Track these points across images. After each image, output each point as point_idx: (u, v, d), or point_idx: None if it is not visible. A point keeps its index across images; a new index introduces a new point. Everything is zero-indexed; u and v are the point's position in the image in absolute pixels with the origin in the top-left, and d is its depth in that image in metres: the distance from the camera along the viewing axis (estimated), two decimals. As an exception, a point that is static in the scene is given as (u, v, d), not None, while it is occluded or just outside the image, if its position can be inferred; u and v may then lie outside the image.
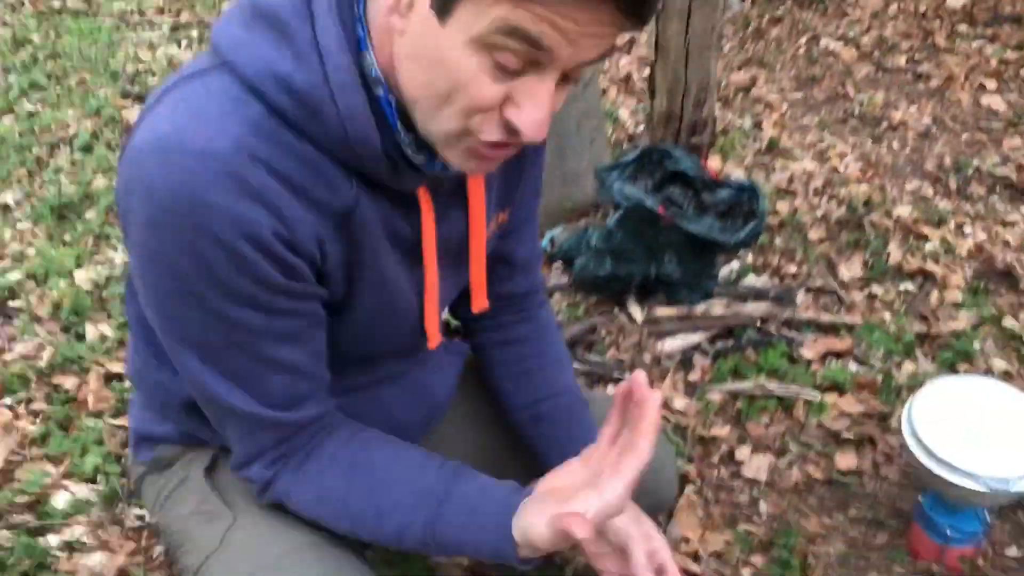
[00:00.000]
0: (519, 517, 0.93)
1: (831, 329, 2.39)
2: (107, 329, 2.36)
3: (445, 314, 1.29)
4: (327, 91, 0.83)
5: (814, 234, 2.78)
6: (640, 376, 0.91)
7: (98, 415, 2.11)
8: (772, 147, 3.31)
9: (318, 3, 0.84)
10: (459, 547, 0.98)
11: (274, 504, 1.06)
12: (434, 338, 1.11)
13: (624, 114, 3.47)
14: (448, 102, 0.81)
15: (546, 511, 0.90)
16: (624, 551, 1.05)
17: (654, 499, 1.32)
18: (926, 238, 2.80)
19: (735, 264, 2.57)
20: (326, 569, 1.02)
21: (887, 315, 2.46)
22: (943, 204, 3.01)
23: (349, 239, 0.94)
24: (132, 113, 3.39)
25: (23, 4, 4.50)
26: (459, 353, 1.32)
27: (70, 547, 1.80)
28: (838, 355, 2.32)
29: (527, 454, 1.32)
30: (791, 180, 3.08)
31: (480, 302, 1.19)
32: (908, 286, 2.58)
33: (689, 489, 1.96)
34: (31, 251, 2.70)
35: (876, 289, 2.56)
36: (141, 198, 0.82)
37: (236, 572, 1.02)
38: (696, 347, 2.30)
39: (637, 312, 2.34)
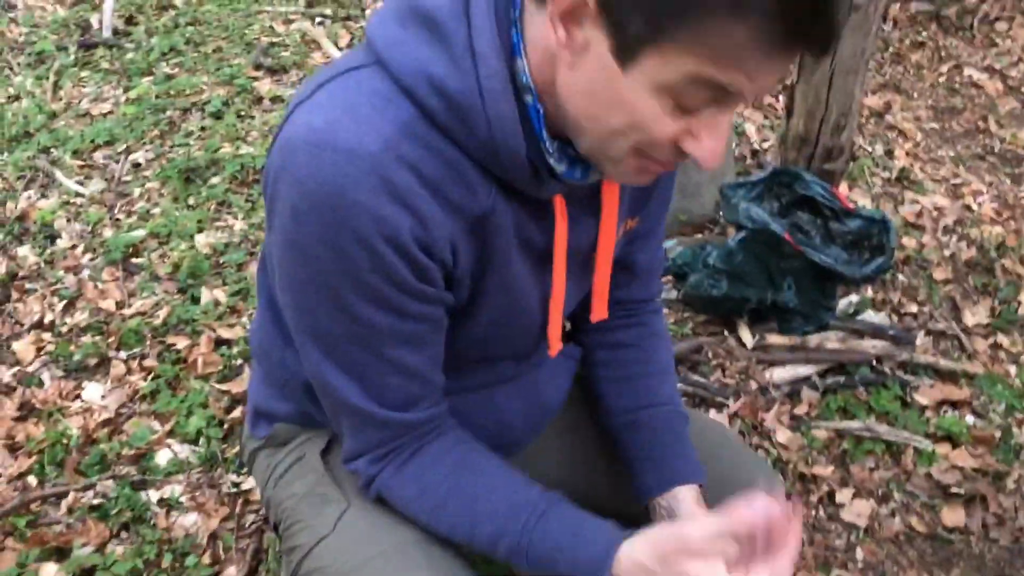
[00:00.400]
0: (629, 543, 0.94)
1: (950, 376, 2.28)
2: (221, 295, 2.42)
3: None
4: (478, 97, 0.84)
5: (940, 274, 2.66)
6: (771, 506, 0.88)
7: (205, 378, 2.17)
8: (903, 177, 3.18)
9: (476, 4, 0.84)
10: (552, 559, 0.98)
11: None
12: (556, 345, 1.11)
13: (751, 128, 3.38)
14: (623, 136, 0.82)
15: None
16: None
17: None
18: (1061, 289, 2.64)
19: (854, 297, 2.47)
20: (434, 566, 1.02)
21: (1012, 368, 2.34)
22: (1083, 255, 2.84)
23: (481, 243, 0.94)
24: (263, 85, 3.47)
25: (170, -31, 4.66)
26: (574, 358, 1.30)
27: (168, 505, 1.85)
28: (955, 404, 2.21)
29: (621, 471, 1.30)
30: (920, 214, 2.95)
31: (600, 311, 1.17)
32: (1037, 339, 2.45)
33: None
34: (156, 211, 2.79)
35: (1002, 339, 2.44)
36: (289, 187, 0.85)
37: (347, 558, 1.04)
38: (806, 380, 2.22)
39: (747, 337, 2.28)
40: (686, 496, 1.14)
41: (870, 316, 2.41)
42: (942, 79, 4.02)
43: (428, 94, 0.83)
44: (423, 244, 0.88)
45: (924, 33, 4.38)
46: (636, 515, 1.33)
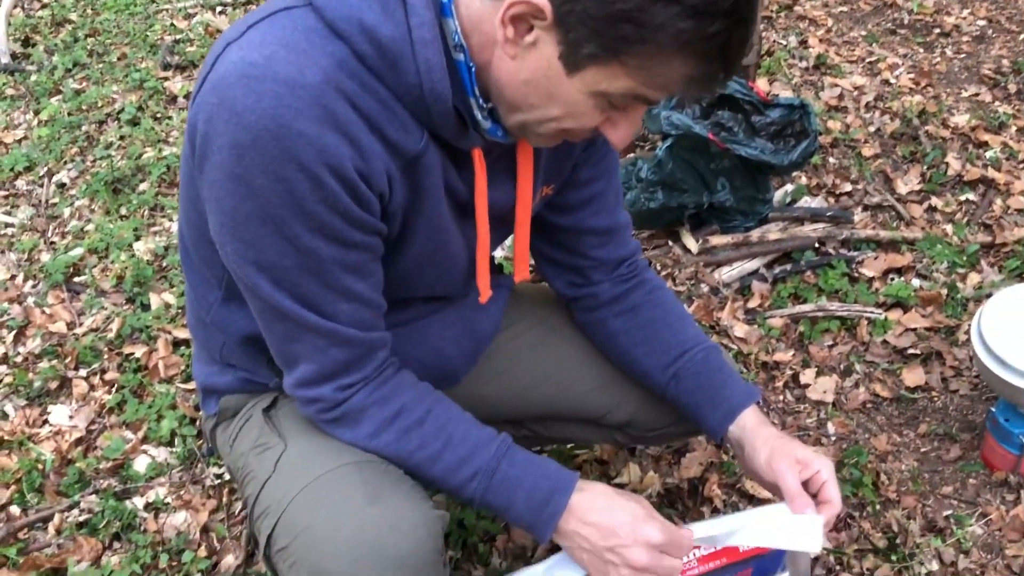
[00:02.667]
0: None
1: (891, 245, 2.34)
2: (170, 297, 2.41)
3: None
4: (408, 44, 0.87)
5: (868, 150, 2.71)
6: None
7: (169, 381, 2.17)
8: (820, 64, 3.22)
9: None
10: (517, 481, 1.05)
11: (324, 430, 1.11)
12: (485, 292, 1.15)
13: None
14: (554, 121, 0.92)
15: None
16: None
17: None
18: (986, 145, 2.71)
19: (789, 187, 2.52)
20: (376, 482, 1.04)
21: (948, 227, 2.41)
22: (1003, 109, 2.91)
23: (413, 182, 0.97)
24: (174, 84, 3.42)
25: (58, -16, 4.54)
26: (505, 287, 1.34)
27: (155, 508, 1.86)
28: (900, 271, 2.28)
29: (578, 387, 1.36)
30: (841, 97, 3.00)
31: (522, 272, 1.21)
32: (969, 196, 2.52)
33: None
34: (90, 227, 2.75)
35: (936, 201, 2.50)
36: (228, 123, 0.86)
37: (287, 492, 1.05)
38: (754, 273, 2.27)
39: (691, 243, 2.32)
40: (747, 419, 1.21)
41: (807, 202, 2.46)
42: (844, -38, 4.05)
43: (361, 39, 0.87)
44: (363, 175, 0.91)
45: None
46: (593, 418, 1.39)
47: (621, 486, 1.79)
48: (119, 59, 3.68)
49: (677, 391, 1.28)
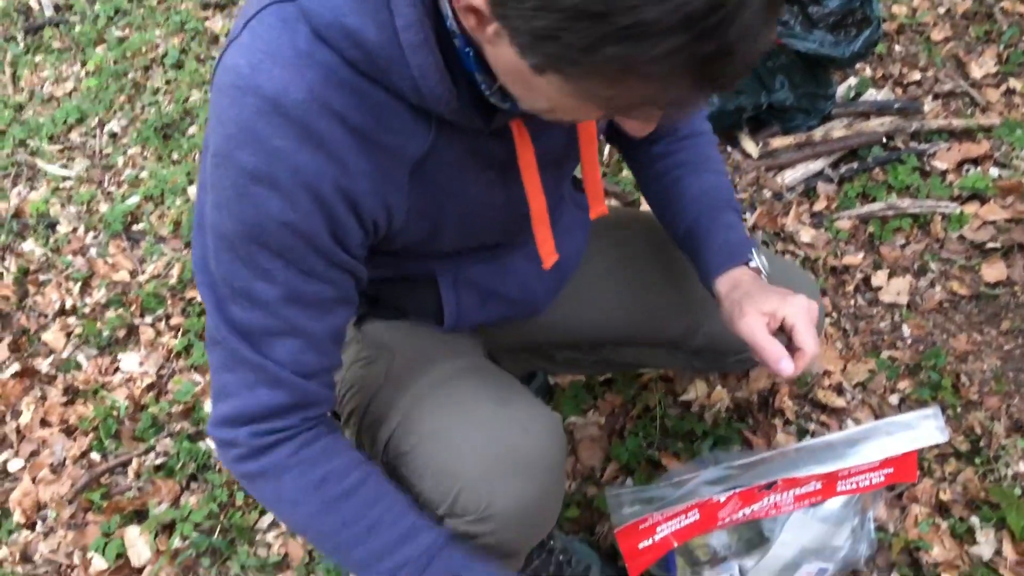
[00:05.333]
0: None
1: (966, 134, 2.21)
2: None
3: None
4: (398, 49, 0.80)
5: (937, 33, 2.54)
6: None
7: (232, 322, 2.18)
8: (881, -55, 3.02)
9: None
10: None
11: (425, 340, 1.10)
12: (550, 258, 1.06)
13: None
14: (547, 112, 0.80)
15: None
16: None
17: None
18: (1067, 18, 2.52)
19: (852, 80, 2.38)
20: (498, 384, 1.04)
21: (1029, 110, 2.26)
22: (1085, -23, 2.69)
23: (428, 182, 0.91)
24: (215, 23, 3.38)
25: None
26: (586, 208, 1.27)
27: (228, 448, 1.89)
28: (975, 162, 2.15)
29: (657, 312, 1.30)
30: (906, -22, 2.81)
31: (599, 207, 1.12)
32: (1051, 74, 2.35)
33: (825, 323, 1.89)
34: (144, 174, 2.77)
35: (1015, 83, 2.34)
36: (214, 129, 0.83)
37: (406, 398, 1.05)
38: (819, 175, 2.17)
39: (751, 146, 2.22)
40: (722, 285, 1.10)
41: (872, 95, 2.33)
42: None
43: (347, 45, 0.79)
44: (348, 195, 0.85)
45: None
46: (672, 341, 1.34)
47: (688, 403, 1.76)
48: (159, 2, 3.65)
49: (688, 244, 1.17)
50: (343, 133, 0.82)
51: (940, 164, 2.14)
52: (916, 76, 2.42)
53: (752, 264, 1.11)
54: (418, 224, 0.95)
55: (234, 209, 0.83)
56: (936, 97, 2.35)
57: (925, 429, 1.13)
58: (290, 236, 0.85)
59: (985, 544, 1.47)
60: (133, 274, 2.41)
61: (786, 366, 0.99)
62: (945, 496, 1.54)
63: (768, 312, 1.02)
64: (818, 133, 2.19)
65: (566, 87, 0.70)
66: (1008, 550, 1.46)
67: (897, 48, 2.52)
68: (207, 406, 1.99)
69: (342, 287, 0.92)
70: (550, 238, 1.04)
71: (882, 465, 1.18)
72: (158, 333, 2.22)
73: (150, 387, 2.08)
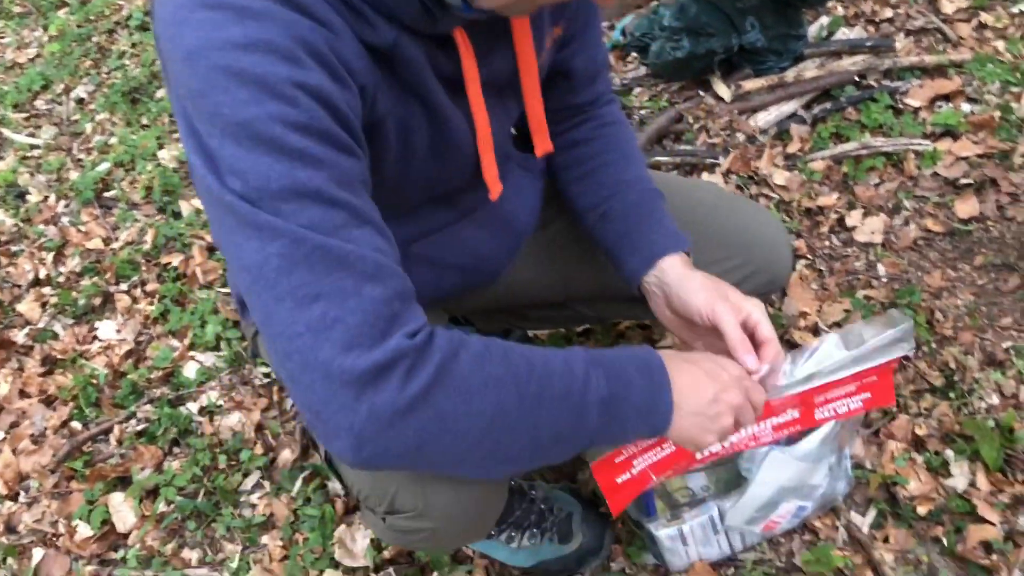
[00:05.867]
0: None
1: (938, 71, 2.20)
2: (200, 204, 2.39)
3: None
4: None
5: (909, -31, 2.52)
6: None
7: (209, 286, 2.17)
8: None
9: None
10: (619, 362, 0.90)
11: None
12: (495, 187, 1.05)
13: None
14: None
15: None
16: (717, 330, 1.03)
17: (769, 276, 1.28)
18: (1039, -51, 2.50)
19: (824, 20, 2.36)
20: None
21: (1000, 44, 2.25)
22: (1056, -93, 2.67)
23: (395, 78, 0.88)
24: (178, -18, 3.31)
25: None
26: (539, 171, 1.26)
27: (208, 412, 1.89)
28: (947, 98, 2.15)
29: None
30: (877, -86, 2.78)
31: (543, 144, 1.11)
32: (1022, 6, 2.33)
33: (800, 264, 1.89)
34: (113, 140, 2.73)
35: (986, 17, 2.33)
36: (176, 35, 0.75)
37: None
38: (792, 116, 2.16)
39: (724, 90, 2.20)
40: (673, 264, 1.11)
41: (844, 34, 2.32)
42: None
43: None
44: (340, 57, 0.79)
45: None
46: (634, 309, 1.33)
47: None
48: (121, -38, 3.57)
49: (603, 232, 1.17)
50: (322, 3, 0.78)
51: (913, 102, 2.13)
52: (888, 13, 2.40)
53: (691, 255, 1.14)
54: (386, 131, 0.90)
55: (240, 94, 0.73)
56: (908, 34, 2.34)
57: (897, 341, 1.13)
58: (307, 99, 0.75)
59: (960, 476, 1.50)
60: (107, 241, 2.38)
61: (752, 361, 1.01)
62: (921, 431, 1.56)
63: (735, 305, 1.04)
64: (790, 74, 2.18)
65: None
66: (981, 481, 1.48)
67: (869, -15, 2.50)
68: (186, 370, 1.98)
69: (361, 159, 0.82)
70: (494, 164, 1.03)
71: (859, 390, 1.19)
72: (134, 300, 2.20)
73: (129, 354, 2.07)
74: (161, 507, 1.73)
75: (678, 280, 1.09)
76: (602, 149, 1.21)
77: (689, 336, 1.11)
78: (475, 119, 0.98)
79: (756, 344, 1.03)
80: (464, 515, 1.02)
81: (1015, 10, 2.33)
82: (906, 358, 1.66)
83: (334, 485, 1.69)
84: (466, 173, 1.05)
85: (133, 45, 3.11)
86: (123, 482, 1.80)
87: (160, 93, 2.84)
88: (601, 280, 1.31)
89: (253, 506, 1.71)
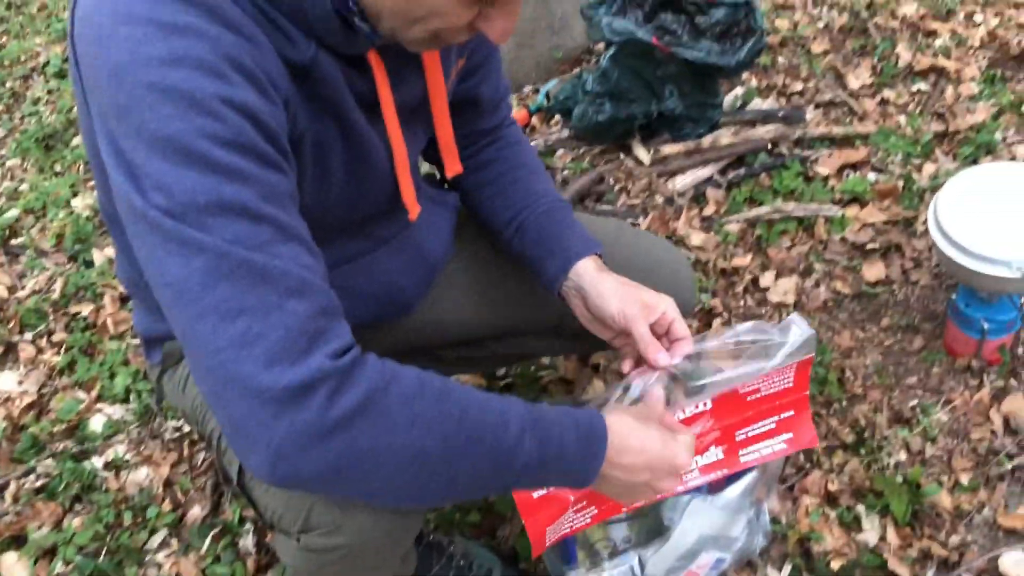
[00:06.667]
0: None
1: (845, 141, 2.30)
2: (113, 252, 2.33)
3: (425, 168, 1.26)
4: None
5: (818, 46, 2.66)
6: None
7: (120, 337, 2.11)
8: (764, -36, 3.14)
9: None
10: (558, 421, 0.89)
11: None
12: (413, 208, 1.08)
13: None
14: (421, 23, 0.81)
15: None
16: (629, 333, 1.09)
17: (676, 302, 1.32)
18: (935, 33, 2.66)
19: (739, 90, 2.46)
20: None
21: (902, 119, 2.37)
22: (950, -5, 2.85)
23: (312, 97, 0.88)
24: (99, 31, 3.27)
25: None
26: (450, 205, 1.28)
27: (115, 466, 1.82)
28: (855, 167, 2.24)
29: (532, 298, 1.30)
30: (788, -6, 2.93)
31: (453, 166, 1.15)
32: (921, 86, 2.48)
33: (716, 322, 1.93)
34: (24, 187, 2.65)
35: (888, 94, 2.46)
36: (99, 54, 0.74)
37: None
38: (708, 180, 2.23)
39: (643, 154, 2.27)
40: (587, 267, 1.15)
41: (758, 104, 2.42)
42: None
43: None
44: (265, 71, 0.79)
45: None
46: (552, 325, 1.35)
47: (586, 403, 1.77)
48: (39, 10, 3.52)
49: (521, 245, 1.21)
50: (239, 12, 0.78)
51: (822, 169, 2.22)
52: (798, 86, 2.52)
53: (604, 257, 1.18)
54: (304, 149, 0.90)
55: (166, 109, 0.72)
56: (817, 106, 2.45)
57: (794, 335, 1.15)
58: (233, 114, 0.74)
59: (871, 531, 1.53)
60: (12, 290, 2.30)
61: (664, 358, 1.06)
62: (833, 487, 1.60)
63: (648, 304, 1.08)
64: (707, 140, 2.26)
65: None
66: (891, 535, 1.51)
67: (780, 60, 2.62)
68: (93, 423, 1.91)
69: (288, 174, 0.82)
70: (411, 185, 1.05)
71: (779, 428, 1.21)
72: (39, 350, 2.12)
73: (30, 406, 1.99)
74: (59, 568, 1.64)
75: (592, 284, 1.14)
76: (511, 167, 1.25)
77: (608, 336, 1.15)
78: (391, 140, 0.99)
79: (671, 340, 1.09)
80: (381, 531, 1.00)
81: (914, 88, 2.47)
82: (817, 415, 1.70)
83: (245, 543, 1.63)
84: (383, 197, 1.06)
85: (49, 92, 3.05)
86: (17, 541, 1.71)
87: (76, 140, 2.78)
88: (510, 312, 1.33)
89: (159, 565, 1.64)
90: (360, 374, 0.77)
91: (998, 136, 2.24)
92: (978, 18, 2.72)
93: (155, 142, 0.73)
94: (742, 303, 1.98)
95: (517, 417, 0.86)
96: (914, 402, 1.73)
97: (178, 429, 1.88)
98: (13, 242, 2.46)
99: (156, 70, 0.72)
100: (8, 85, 3.10)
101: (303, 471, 0.75)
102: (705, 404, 1.17)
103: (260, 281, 0.74)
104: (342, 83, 0.90)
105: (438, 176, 1.30)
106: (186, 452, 1.83)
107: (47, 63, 3.16)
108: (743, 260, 2.04)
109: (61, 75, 3.11)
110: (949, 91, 2.44)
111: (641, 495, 0.99)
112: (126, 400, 1.96)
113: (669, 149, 2.25)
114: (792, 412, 1.22)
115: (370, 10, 0.83)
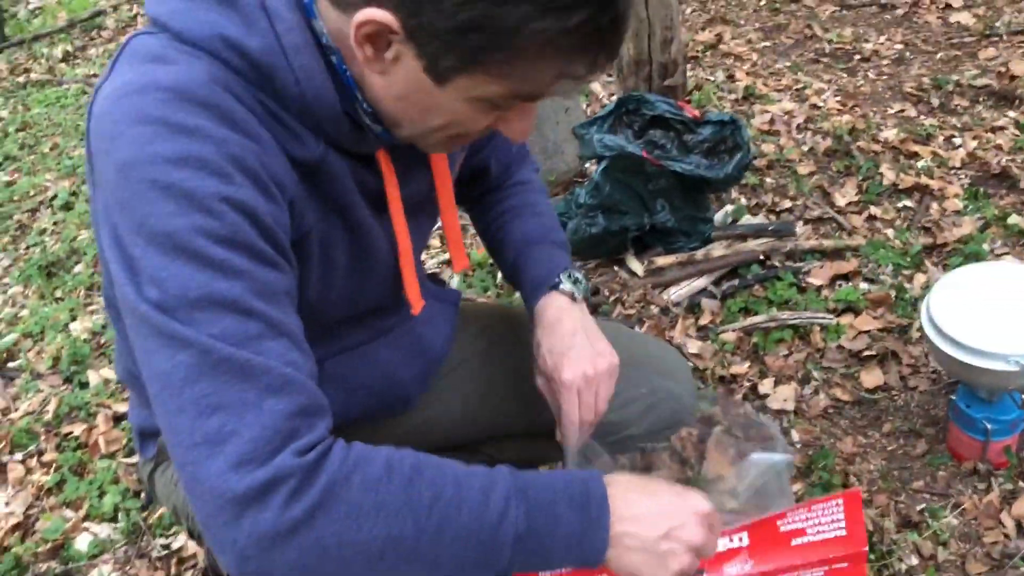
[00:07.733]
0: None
1: (836, 253, 2.34)
2: (109, 373, 2.33)
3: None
4: (281, 54, 0.80)
5: (803, 168, 2.74)
6: None
7: (111, 456, 2.07)
8: (749, 95, 3.27)
9: None
10: (551, 491, 0.84)
11: None
12: (416, 303, 1.07)
13: (596, 86, 3.45)
14: (441, 130, 0.85)
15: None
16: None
17: (674, 405, 1.32)
18: (916, 156, 2.75)
19: (729, 207, 2.52)
20: None
21: (890, 232, 2.42)
22: (928, 121, 2.97)
23: (319, 194, 0.90)
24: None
25: (-12, 85, 4.52)
26: (451, 302, 1.29)
27: (99, 586, 1.76)
28: (846, 277, 2.27)
29: (530, 396, 1.28)
30: (772, 121, 3.04)
31: (460, 261, 1.16)
32: (906, 202, 2.54)
33: (717, 430, 1.91)
34: (24, 312, 2.67)
35: (875, 210, 2.52)
36: (108, 151, 0.76)
37: None
38: (702, 291, 2.25)
39: (637, 266, 2.30)
40: (544, 308, 1.15)
41: (748, 220, 2.47)
42: (763, 2, 4.18)
43: (230, 55, 0.79)
44: (270, 172, 0.81)
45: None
46: (549, 430, 1.32)
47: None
48: (51, 149, 3.65)
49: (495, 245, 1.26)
50: (248, 113, 0.80)
51: (814, 280, 2.25)
52: (787, 204, 2.58)
53: (564, 287, 1.15)
54: (310, 245, 0.90)
55: (167, 207, 0.74)
56: (807, 222, 2.51)
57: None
58: (233, 213, 0.76)
59: (886, 638, 1.46)
60: (5, 411, 2.28)
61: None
62: (844, 593, 1.54)
63: (583, 375, 1.09)
64: (700, 253, 2.29)
65: (472, 88, 0.78)
66: (908, 641, 1.45)
67: (768, 180, 2.70)
68: (79, 543, 1.85)
69: (287, 273, 0.83)
70: (416, 280, 1.05)
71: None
72: (28, 470, 2.08)
73: (16, 527, 1.93)
74: None
75: (541, 331, 1.14)
76: (506, 208, 1.27)
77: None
78: (397, 236, 1.00)
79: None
80: None
81: (899, 204, 2.53)
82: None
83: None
84: (387, 291, 1.06)
85: (55, 223, 3.12)
86: (-7, 665, 1.63)
87: (79, 268, 2.82)
88: (510, 412, 1.30)
89: None
90: (322, 467, 0.75)
91: (986, 247, 2.28)
92: (957, 141, 2.82)
93: (154, 237, 0.74)
94: (742, 411, 1.96)
95: (502, 487, 0.82)
96: (922, 506, 1.69)
97: (166, 547, 1.82)
98: (10, 365, 2.45)
99: (161, 168, 0.74)
100: (16, 218, 3.17)
101: (272, 571, 0.73)
102: (741, 539, 1.06)
103: (241, 378, 0.74)
104: (350, 180, 0.92)
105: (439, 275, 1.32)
106: (173, 570, 1.77)
107: (55, 196, 3.24)
108: (741, 368, 2.04)
109: (67, 207, 3.18)
110: (934, 207, 2.50)
111: (673, 558, 0.86)
112: (114, 519, 1.91)
113: (663, 261, 2.28)
114: (847, 564, 1.05)
115: (388, 118, 0.86)
